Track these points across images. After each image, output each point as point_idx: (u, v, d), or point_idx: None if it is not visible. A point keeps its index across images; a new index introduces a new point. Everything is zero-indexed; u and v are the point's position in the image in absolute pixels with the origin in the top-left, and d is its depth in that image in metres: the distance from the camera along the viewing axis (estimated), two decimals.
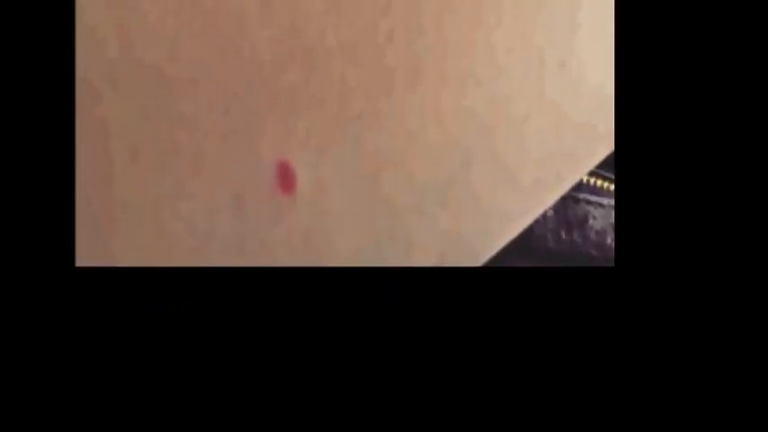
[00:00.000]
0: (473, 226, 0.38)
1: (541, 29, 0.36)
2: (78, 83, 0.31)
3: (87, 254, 0.32)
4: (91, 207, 0.32)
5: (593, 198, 0.50)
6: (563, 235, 0.50)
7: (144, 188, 0.33)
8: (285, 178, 0.34)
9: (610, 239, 0.50)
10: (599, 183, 0.49)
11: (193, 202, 0.33)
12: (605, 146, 0.40)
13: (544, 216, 0.49)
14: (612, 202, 0.50)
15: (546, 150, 0.38)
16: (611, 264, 0.48)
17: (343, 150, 0.35)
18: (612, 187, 0.49)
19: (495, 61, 0.36)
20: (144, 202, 0.33)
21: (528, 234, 0.43)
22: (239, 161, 0.34)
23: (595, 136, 0.39)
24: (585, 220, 0.49)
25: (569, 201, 0.49)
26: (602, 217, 0.50)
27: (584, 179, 0.49)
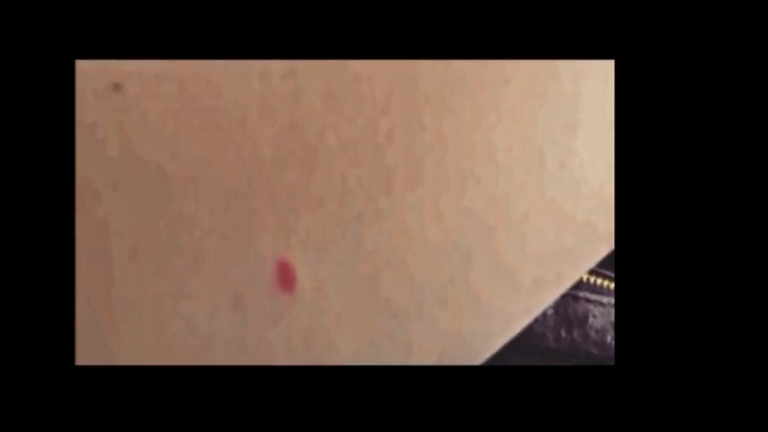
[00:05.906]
0: (473, 326, 0.38)
1: (542, 128, 0.36)
2: (78, 182, 0.31)
3: (87, 352, 0.32)
4: (91, 306, 0.32)
5: (594, 296, 0.50)
6: (563, 333, 0.49)
7: (144, 287, 0.33)
8: (285, 277, 0.34)
9: (610, 338, 0.50)
10: (599, 281, 0.50)
11: (193, 301, 0.33)
12: (605, 245, 0.40)
13: (544, 315, 0.49)
14: (612, 300, 0.50)
15: (546, 249, 0.38)
16: (612, 362, 0.48)
17: (343, 250, 0.35)
18: (612, 286, 0.49)
19: (495, 160, 0.36)
20: (144, 302, 0.33)
21: (528, 332, 0.43)
22: (239, 260, 0.34)
23: (595, 235, 0.39)
24: (586, 318, 0.49)
25: (569, 299, 0.49)
26: (602, 315, 0.50)
27: (585, 277, 0.49)
